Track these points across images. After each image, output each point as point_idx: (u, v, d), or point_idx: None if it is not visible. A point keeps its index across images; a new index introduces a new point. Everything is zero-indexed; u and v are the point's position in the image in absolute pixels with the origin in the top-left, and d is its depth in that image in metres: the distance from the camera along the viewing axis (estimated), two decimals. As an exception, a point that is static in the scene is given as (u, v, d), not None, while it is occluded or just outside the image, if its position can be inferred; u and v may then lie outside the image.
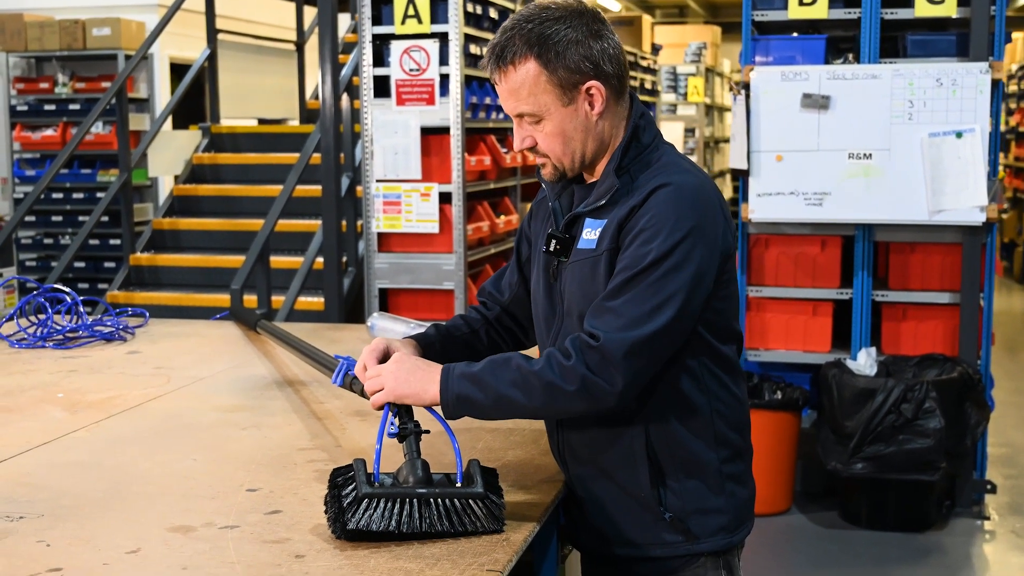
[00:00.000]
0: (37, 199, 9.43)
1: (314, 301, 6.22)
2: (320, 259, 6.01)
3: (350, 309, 6.12)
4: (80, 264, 9.51)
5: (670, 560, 2.09)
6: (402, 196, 5.61)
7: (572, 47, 1.99)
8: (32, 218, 9.83)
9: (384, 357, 2.13)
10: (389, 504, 1.87)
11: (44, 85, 9.84)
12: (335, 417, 2.69)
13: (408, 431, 2.00)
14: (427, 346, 2.24)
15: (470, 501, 1.91)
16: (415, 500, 1.88)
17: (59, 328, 3.62)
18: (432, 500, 1.89)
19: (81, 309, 3.68)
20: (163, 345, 3.59)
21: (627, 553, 2.12)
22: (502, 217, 6.30)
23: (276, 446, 2.45)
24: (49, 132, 9.81)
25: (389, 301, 5.76)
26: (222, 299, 6.05)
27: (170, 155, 7.72)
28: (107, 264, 9.32)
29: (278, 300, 5.96)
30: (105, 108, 7.19)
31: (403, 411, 2.03)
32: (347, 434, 2.54)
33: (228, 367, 3.26)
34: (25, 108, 9.91)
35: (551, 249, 2.10)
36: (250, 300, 5.71)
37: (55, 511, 2.04)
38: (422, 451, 1.98)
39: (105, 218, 8.55)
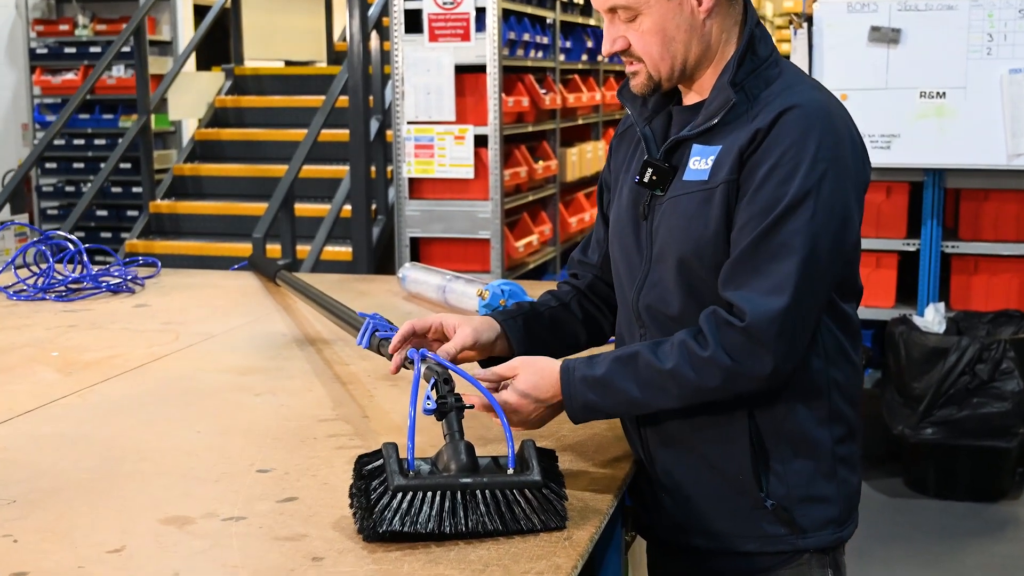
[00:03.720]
0: (57, 145, 9.18)
1: (342, 251, 5.90)
2: (348, 207, 5.69)
3: (379, 259, 5.79)
4: (102, 212, 9.24)
5: (766, 556, 1.75)
6: (435, 139, 5.27)
7: None
8: (53, 165, 9.56)
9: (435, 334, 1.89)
10: (427, 498, 1.53)
11: (64, 27, 9.50)
12: (361, 382, 2.35)
13: (448, 406, 1.66)
14: (505, 320, 1.92)
15: (526, 492, 1.57)
16: (459, 492, 1.55)
17: (61, 279, 3.30)
18: (479, 491, 1.55)
19: (85, 258, 3.36)
20: (174, 297, 3.26)
21: (710, 545, 1.79)
22: (540, 162, 5.93)
23: (293, 416, 2.12)
24: (70, 76, 9.49)
25: (421, 251, 5.44)
26: (245, 248, 5.75)
27: (191, 98, 7.39)
28: (130, 212, 9.03)
29: (304, 250, 5.65)
30: (125, 51, 6.85)
31: (441, 381, 1.69)
32: (375, 402, 2.21)
33: (243, 322, 2.93)
34: (45, 51, 9.58)
35: (646, 180, 1.74)
36: (274, 249, 5.40)
37: (30, 496, 1.71)
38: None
39: (127, 165, 8.27)
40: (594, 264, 2.02)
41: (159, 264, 3.62)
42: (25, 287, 3.26)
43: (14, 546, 1.53)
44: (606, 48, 1.74)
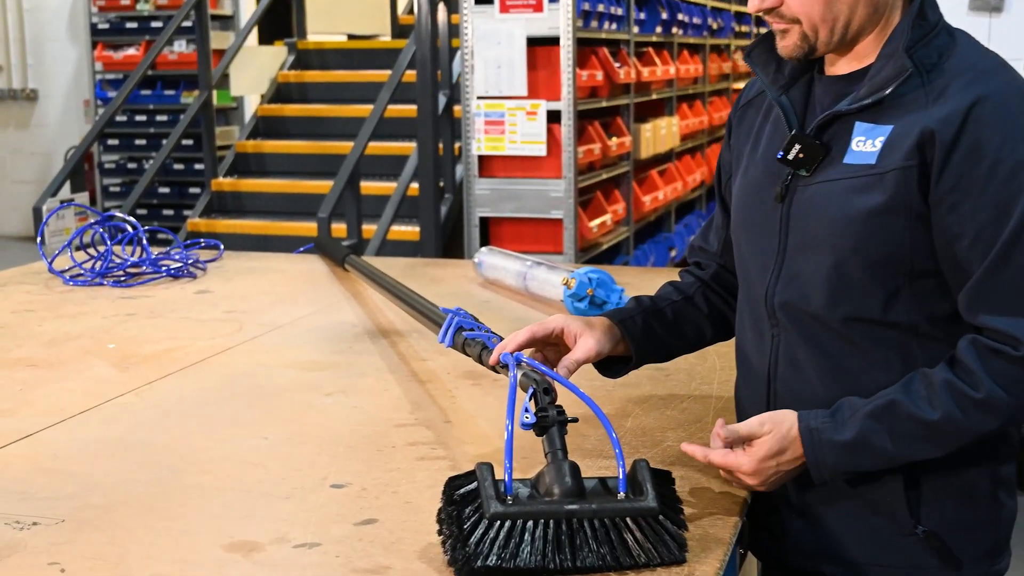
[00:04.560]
0: (119, 122, 9.09)
1: (408, 231, 5.72)
2: (415, 185, 5.49)
3: (447, 239, 5.59)
4: (164, 190, 9.16)
5: (910, 591, 1.53)
6: (505, 115, 5.06)
7: None
8: (115, 142, 9.50)
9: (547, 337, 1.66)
10: (528, 528, 1.33)
11: (125, 2, 9.41)
12: (440, 380, 2.15)
13: (550, 420, 1.45)
14: (623, 320, 1.72)
15: (640, 520, 1.36)
16: (564, 521, 1.34)
17: (120, 263, 3.14)
18: (588, 520, 1.35)
19: (145, 241, 3.19)
20: (237, 283, 3.09)
21: (844, 574, 1.57)
22: (614, 139, 5.70)
23: (368, 420, 1.92)
24: (131, 51, 9.41)
25: (491, 231, 5.22)
26: (309, 227, 5.58)
27: (253, 73, 7.23)
28: (192, 190, 8.93)
29: (369, 229, 5.46)
30: (186, 26, 6.71)
31: (540, 391, 1.48)
32: (457, 404, 2.01)
33: (311, 312, 2.74)
34: (107, 26, 9.51)
35: (791, 157, 1.52)
36: (339, 229, 5.23)
37: (80, 514, 1.53)
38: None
39: (189, 141, 8.16)
40: (715, 252, 1.80)
41: (221, 247, 3.45)
42: (82, 271, 3.10)
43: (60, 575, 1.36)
44: (754, 5, 1.51)
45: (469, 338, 1.75)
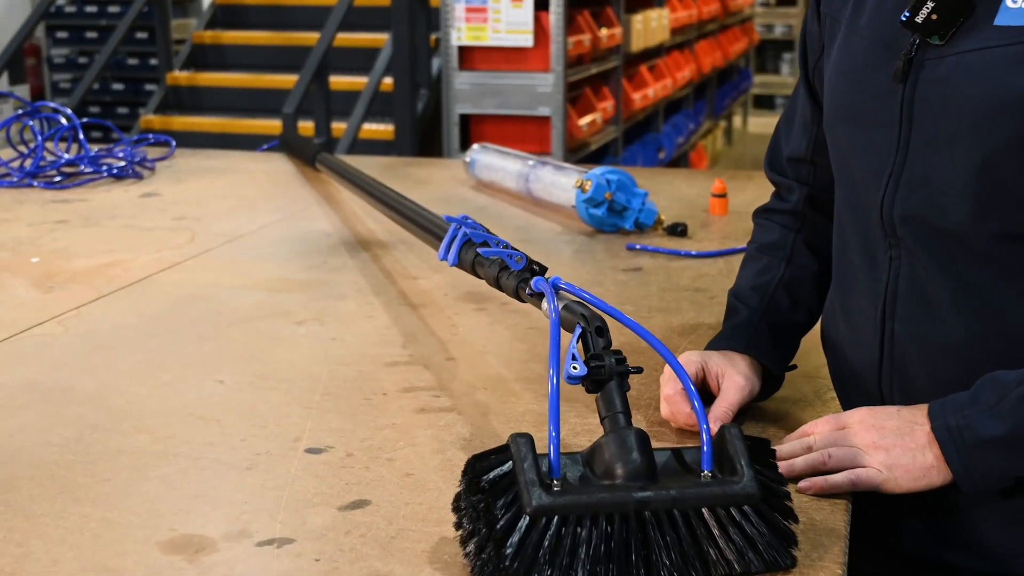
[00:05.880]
0: (68, 13, 8.50)
1: (381, 128, 5.27)
2: (388, 79, 5.03)
3: (424, 138, 5.16)
4: (119, 87, 8.60)
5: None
6: (488, 1, 4.59)
7: None
8: (64, 35, 8.90)
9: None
10: (586, 526, 0.95)
11: None
12: (437, 303, 1.76)
13: (606, 370, 1.06)
14: (751, 342, 1.34)
15: (740, 509, 0.99)
16: (634, 515, 0.96)
17: (54, 161, 2.70)
18: (667, 513, 0.97)
19: (82, 135, 2.75)
20: (190, 185, 2.66)
21: (974, 564, 1.21)
22: (604, 30, 5.25)
23: (351, 357, 1.53)
24: (79, -64, 8.75)
25: (472, 129, 4.80)
26: (273, 125, 5.14)
27: (211, -43, 6.68)
28: (148, 87, 8.38)
29: (339, 127, 5.02)
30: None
31: (593, 331, 1.09)
32: (460, 335, 1.62)
33: (276, 219, 2.33)
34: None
35: (919, 20, 1.11)
36: (305, 127, 4.79)
37: (-31, 494, 1.14)
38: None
39: (144, 35, 7.61)
40: (803, 157, 1.40)
41: (173, 143, 3.02)
42: (8, 171, 2.67)
43: (-70, 594, 0.97)
44: None
45: (483, 255, 1.35)
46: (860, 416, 1.16)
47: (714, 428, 1.10)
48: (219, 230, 2.22)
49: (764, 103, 12.21)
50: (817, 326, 1.40)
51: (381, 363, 1.50)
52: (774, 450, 1.07)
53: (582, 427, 1.28)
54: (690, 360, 1.29)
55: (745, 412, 1.30)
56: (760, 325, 1.36)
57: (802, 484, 1.14)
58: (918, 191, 1.15)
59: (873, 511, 1.25)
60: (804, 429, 1.20)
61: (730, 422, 1.21)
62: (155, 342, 1.60)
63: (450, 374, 1.47)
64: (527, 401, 1.37)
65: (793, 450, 1.18)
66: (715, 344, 1.35)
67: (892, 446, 1.12)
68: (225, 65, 6.29)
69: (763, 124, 11.56)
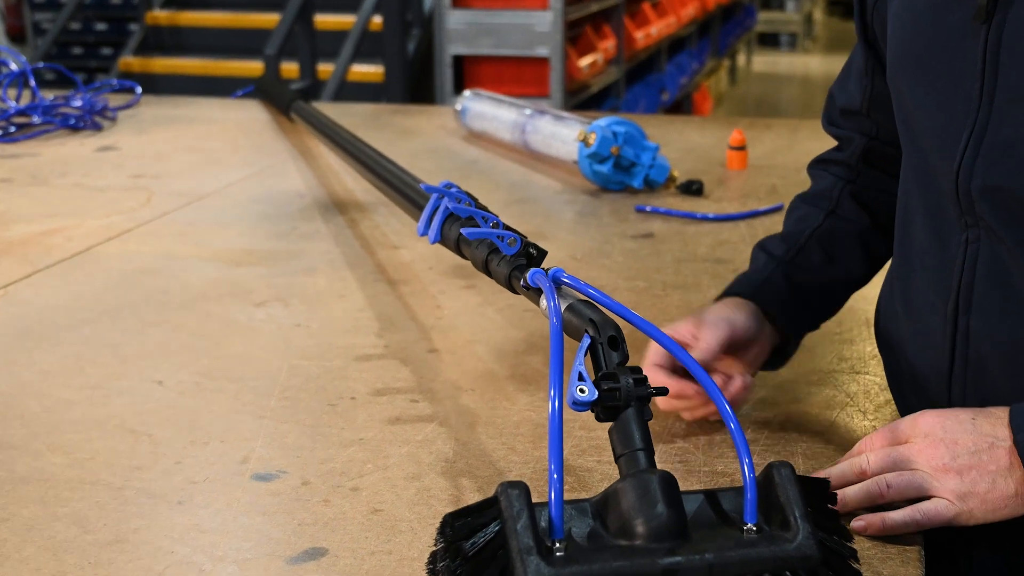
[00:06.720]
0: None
1: (371, 71, 5.01)
2: (377, 18, 4.76)
3: (416, 81, 4.90)
4: (102, 27, 8.29)
5: None
6: (483, -67, 4.34)
7: None
8: (44, -29, 8.57)
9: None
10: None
11: None
12: (420, 280, 1.54)
13: (622, 394, 0.84)
14: (758, 289, 1.14)
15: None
16: (664, 595, 0.75)
17: (3, 111, 2.46)
18: (704, 590, 0.75)
19: (33, 82, 2.51)
20: (153, 137, 2.42)
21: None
22: (605, -36, 4.97)
23: (316, 348, 1.31)
24: None
25: (465, 71, 4.55)
26: (258, 67, 4.87)
27: None
28: (132, 26, 8.08)
29: (326, 70, 4.76)
30: None
31: (605, 341, 0.87)
32: (445, 320, 1.40)
33: (244, 176, 2.10)
34: None
35: None
36: (290, 69, 4.53)
37: None
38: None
39: (124, -29, 7.29)
40: (858, 110, 1.17)
41: (139, 89, 2.77)
42: (-47, 122, 2.43)
43: None
44: None
45: (468, 236, 1.12)
46: (926, 427, 0.94)
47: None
48: (179, 189, 1.99)
49: (768, 41, 11.92)
50: (864, 309, 1.18)
51: (351, 356, 1.28)
52: (834, 494, 0.85)
53: (588, 443, 1.06)
54: (683, 323, 1.11)
55: (772, 421, 1.08)
56: (775, 275, 1.14)
57: (855, 524, 0.92)
58: (1004, 158, 0.92)
59: (940, 539, 1.03)
60: (859, 447, 0.98)
61: (777, 463, 0.99)
62: (89, 330, 1.37)
63: (432, 371, 1.25)
64: (522, 407, 1.15)
65: (844, 474, 0.96)
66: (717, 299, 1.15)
67: (967, 468, 0.90)
68: (207, 3, 6.02)
69: (767, 63, 11.26)
